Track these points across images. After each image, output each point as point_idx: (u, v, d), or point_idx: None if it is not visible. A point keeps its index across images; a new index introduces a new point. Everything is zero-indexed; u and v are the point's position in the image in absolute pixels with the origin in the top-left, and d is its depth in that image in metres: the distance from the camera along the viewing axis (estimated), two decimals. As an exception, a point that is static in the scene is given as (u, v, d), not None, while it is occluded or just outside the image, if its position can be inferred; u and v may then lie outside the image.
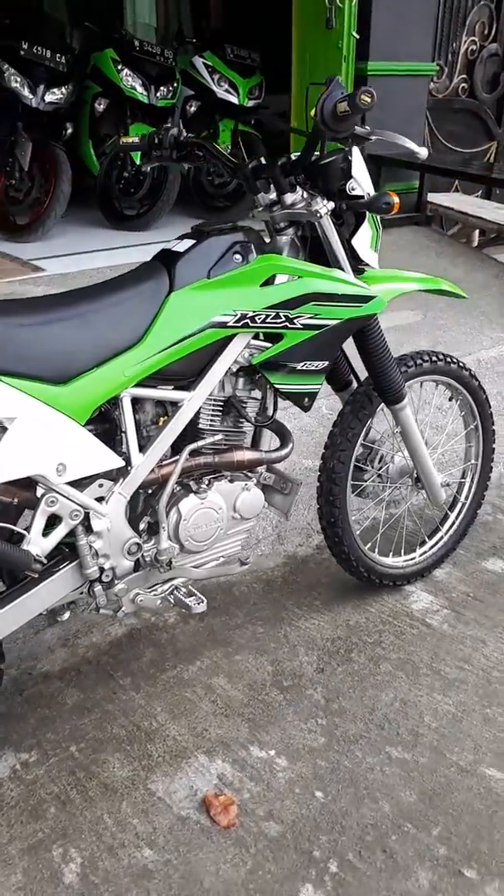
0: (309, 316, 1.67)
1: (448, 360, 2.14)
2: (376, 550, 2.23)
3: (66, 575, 1.55)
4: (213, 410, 1.69)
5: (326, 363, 1.74)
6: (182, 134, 1.77)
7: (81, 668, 1.97)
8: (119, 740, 1.77)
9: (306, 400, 1.76)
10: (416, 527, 2.43)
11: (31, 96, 4.59)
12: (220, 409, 1.70)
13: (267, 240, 1.72)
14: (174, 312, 1.53)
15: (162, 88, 4.99)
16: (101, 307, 1.48)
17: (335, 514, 2.05)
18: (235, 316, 1.58)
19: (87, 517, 1.53)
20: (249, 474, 1.77)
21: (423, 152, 1.63)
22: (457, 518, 2.38)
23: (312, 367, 1.72)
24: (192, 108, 5.45)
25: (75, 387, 1.44)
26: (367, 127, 1.63)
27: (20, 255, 4.58)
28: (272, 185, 1.67)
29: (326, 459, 2.03)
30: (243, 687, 1.92)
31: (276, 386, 1.70)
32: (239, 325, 1.58)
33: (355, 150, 1.72)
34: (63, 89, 4.72)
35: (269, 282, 1.61)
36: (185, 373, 1.60)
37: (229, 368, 1.65)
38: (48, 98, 4.65)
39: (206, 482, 1.70)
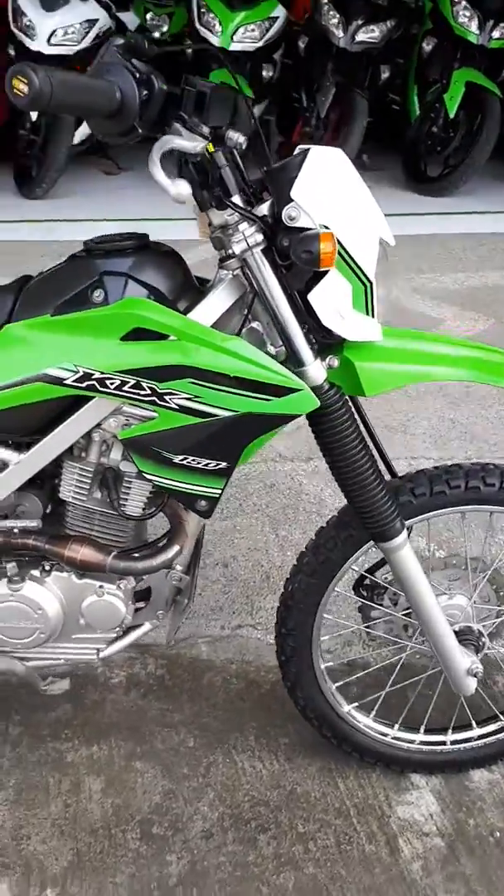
0: (186, 396, 1.12)
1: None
2: (373, 713, 1.58)
3: None
4: (81, 480, 1.28)
5: (223, 465, 1.18)
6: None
7: (-7, 695, 1.79)
8: None
9: (201, 503, 1.22)
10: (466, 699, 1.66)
11: (340, 35, 4.15)
12: (88, 479, 1.28)
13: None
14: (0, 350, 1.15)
15: (502, 25, 4.09)
16: None
17: (287, 650, 1.48)
18: (76, 373, 1.12)
19: None
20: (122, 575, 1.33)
21: (172, 190, 1.07)
22: (537, 713, 1.58)
23: (198, 465, 1.18)
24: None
25: None
26: (202, 125, 0.98)
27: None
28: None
29: (289, 579, 1.45)
30: (110, 806, 1.55)
31: (148, 477, 1.20)
32: (81, 385, 1.13)
33: (315, 153, 1.07)
34: (381, 27, 4.16)
35: (137, 337, 1.11)
36: (19, 429, 1.21)
37: (92, 435, 1.22)
38: (359, 37, 4.16)
39: (46, 568, 1.31)
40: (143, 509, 1.30)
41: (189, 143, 1.06)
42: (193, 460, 1.17)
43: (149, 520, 1.31)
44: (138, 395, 1.13)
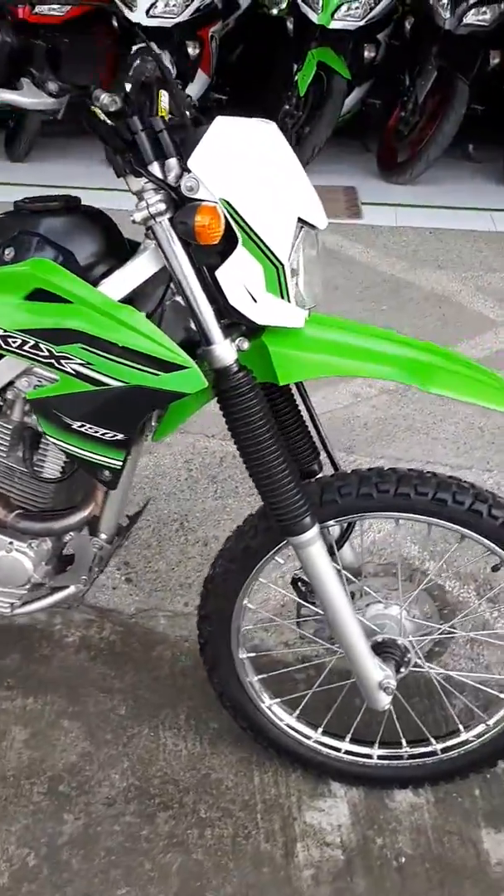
0: (81, 362, 1.11)
1: (463, 496, 1.25)
2: (297, 712, 1.53)
3: None
4: (1, 437, 1.30)
5: (119, 436, 1.16)
6: None
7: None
8: None
9: (104, 473, 1.21)
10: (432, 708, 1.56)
11: (447, 16, 3.94)
12: (7, 436, 1.29)
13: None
14: None
15: None
16: None
17: (205, 634, 1.45)
18: None
19: None
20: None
21: None
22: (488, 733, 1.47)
23: (96, 434, 1.16)
24: None
25: None
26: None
27: (383, 195, 4.17)
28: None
29: (213, 563, 1.42)
30: (27, 758, 1.58)
31: (53, 441, 1.21)
32: (-12, 342, 1.14)
33: (220, 123, 1.01)
34: (494, 9, 3.93)
35: (41, 298, 1.11)
36: None
37: (6, 393, 1.23)
38: (468, 19, 3.94)
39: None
40: (62, 472, 1.32)
41: (28, 99, 1.04)
42: (91, 428, 1.16)
43: (58, 483, 1.32)
44: (37, 355, 1.13)
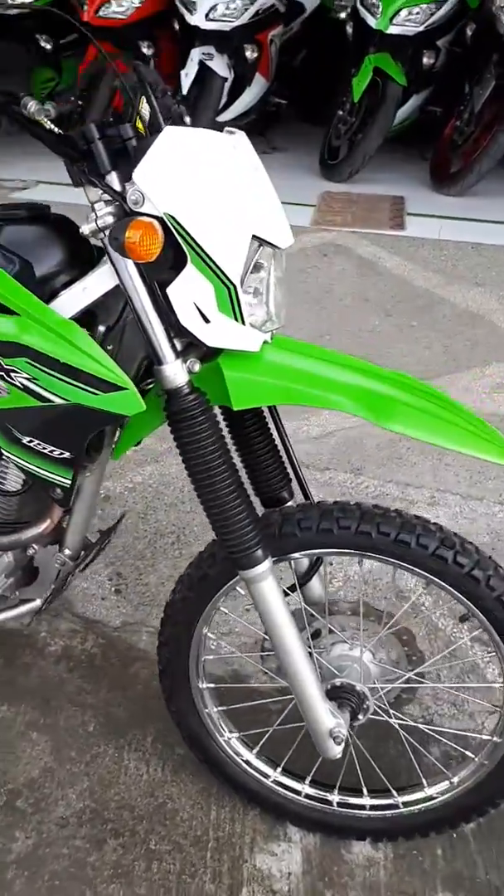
0: (27, 377, 1.08)
1: (428, 539, 1.16)
2: (257, 748, 1.47)
3: None
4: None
5: (66, 454, 1.12)
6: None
7: None
8: None
9: (56, 490, 1.18)
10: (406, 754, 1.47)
11: (509, 22, 3.78)
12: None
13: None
14: None
15: None
16: None
17: (163, 661, 1.40)
18: None
19: None
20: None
21: None
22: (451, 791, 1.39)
23: (44, 451, 1.13)
24: None
25: None
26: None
27: (431, 207, 4.04)
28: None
29: (173, 589, 1.37)
30: (-11, 769, 1.58)
31: (6, 453, 1.18)
32: None
33: (168, 133, 0.96)
34: None
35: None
36: None
37: None
38: (531, 25, 3.76)
39: None
40: (23, 485, 1.30)
41: None
42: (39, 444, 1.14)
43: (19, 496, 1.30)
44: None
